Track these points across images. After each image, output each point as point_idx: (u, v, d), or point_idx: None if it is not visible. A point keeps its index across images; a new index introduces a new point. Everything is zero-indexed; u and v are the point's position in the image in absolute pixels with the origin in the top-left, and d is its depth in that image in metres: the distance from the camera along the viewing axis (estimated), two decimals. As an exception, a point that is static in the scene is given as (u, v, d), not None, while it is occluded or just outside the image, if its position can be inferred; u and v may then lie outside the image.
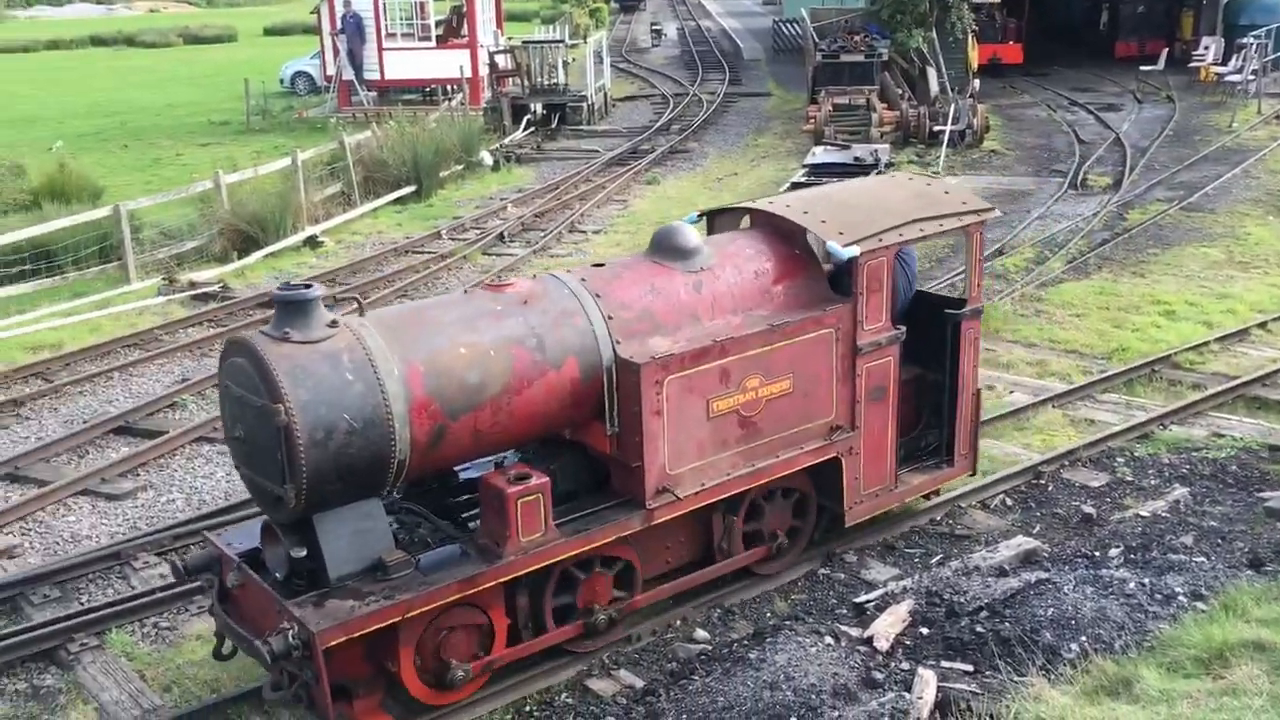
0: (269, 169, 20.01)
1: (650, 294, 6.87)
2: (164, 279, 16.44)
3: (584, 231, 19.05)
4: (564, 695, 6.74)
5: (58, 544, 8.93)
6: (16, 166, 16.37)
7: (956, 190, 8.07)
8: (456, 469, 6.83)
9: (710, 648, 7.00)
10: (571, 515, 6.61)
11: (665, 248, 7.15)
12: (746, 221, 8.02)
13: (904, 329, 7.54)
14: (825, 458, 7.43)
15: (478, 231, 19.10)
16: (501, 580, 6.26)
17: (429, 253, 17.81)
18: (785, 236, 7.48)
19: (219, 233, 18.11)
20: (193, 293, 15.80)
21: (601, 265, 7.21)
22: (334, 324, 6.05)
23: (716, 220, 8.11)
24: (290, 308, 5.99)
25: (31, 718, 6.82)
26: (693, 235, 7.27)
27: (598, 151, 26.23)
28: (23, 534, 9.08)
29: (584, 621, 6.81)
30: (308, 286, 6.11)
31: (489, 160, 24.74)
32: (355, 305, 6.36)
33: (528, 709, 6.66)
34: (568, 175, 23.38)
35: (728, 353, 6.79)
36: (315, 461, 5.76)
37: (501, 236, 18.44)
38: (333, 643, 5.69)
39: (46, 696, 7.04)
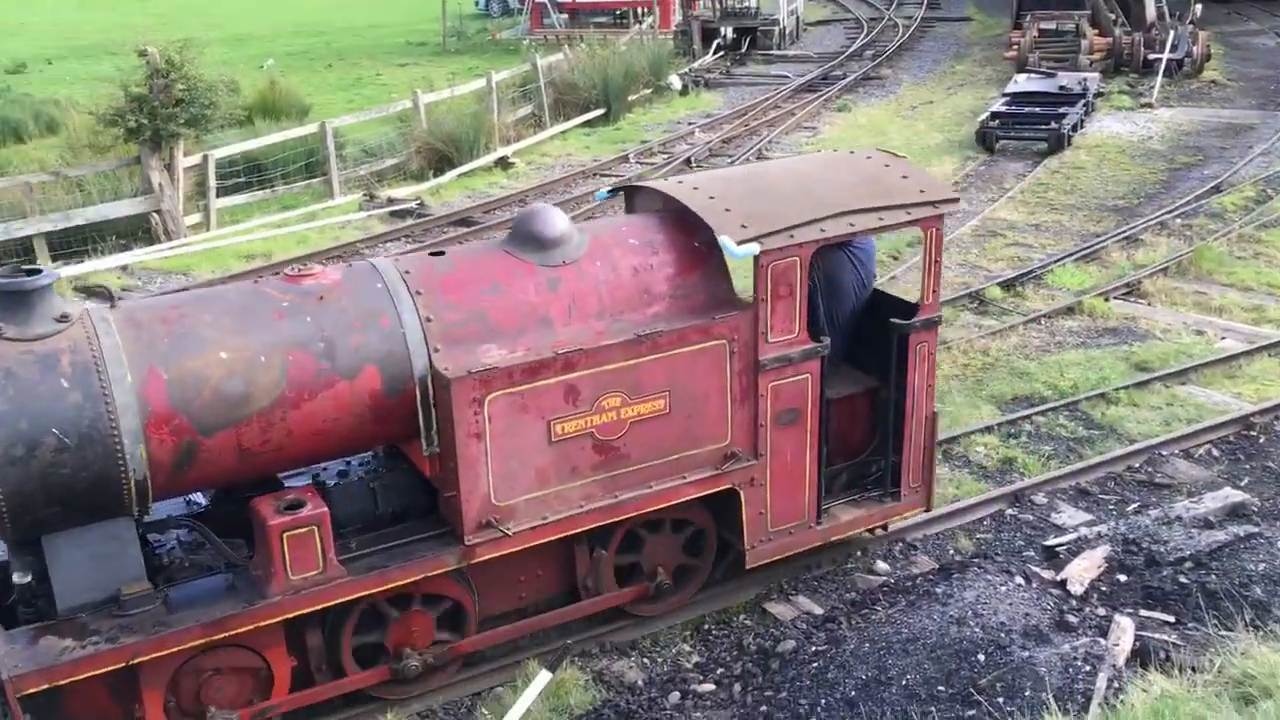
0: (464, 90, 20.44)
1: (489, 292, 5.72)
2: (365, 195, 17.09)
3: (772, 158, 18.82)
4: (741, 616, 6.81)
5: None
6: (233, 83, 17.18)
7: (917, 175, 6.59)
8: (280, 476, 5.81)
9: (892, 580, 6.94)
10: (378, 546, 5.67)
11: (522, 235, 5.94)
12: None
13: (826, 342, 6.31)
14: (717, 489, 6.26)
15: (664, 156, 19.09)
16: (263, 624, 5.32)
17: (615, 175, 17.91)
18: (685, 226, 6.19)
19: (416, 151, 18.66)
20: (391, 209, 16.36)
21: (441, 254, 5.98)
22: (64, 318, 5.10)
23: (635, 198, 6.85)
24: (10, 298, 5.01)
25: None
26: (558, 222, 5.99)
27: (787, 77, 25.74)
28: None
29: (391, 667, 5.86)
30: (37, 272, 5.12)
31: (677, 85, 24.63)
32: (105, 294, 5.42)
33: (705, 626, 6.76)
34: (756, 101, 23.05)
35: (574, 367, 5.64)
36: (15, 481, 4.89)
37: (688, 162, 18.38)
38: (31, 690, 4.89)
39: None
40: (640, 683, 6.22)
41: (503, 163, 18.90)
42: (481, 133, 18.96)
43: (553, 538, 5.89)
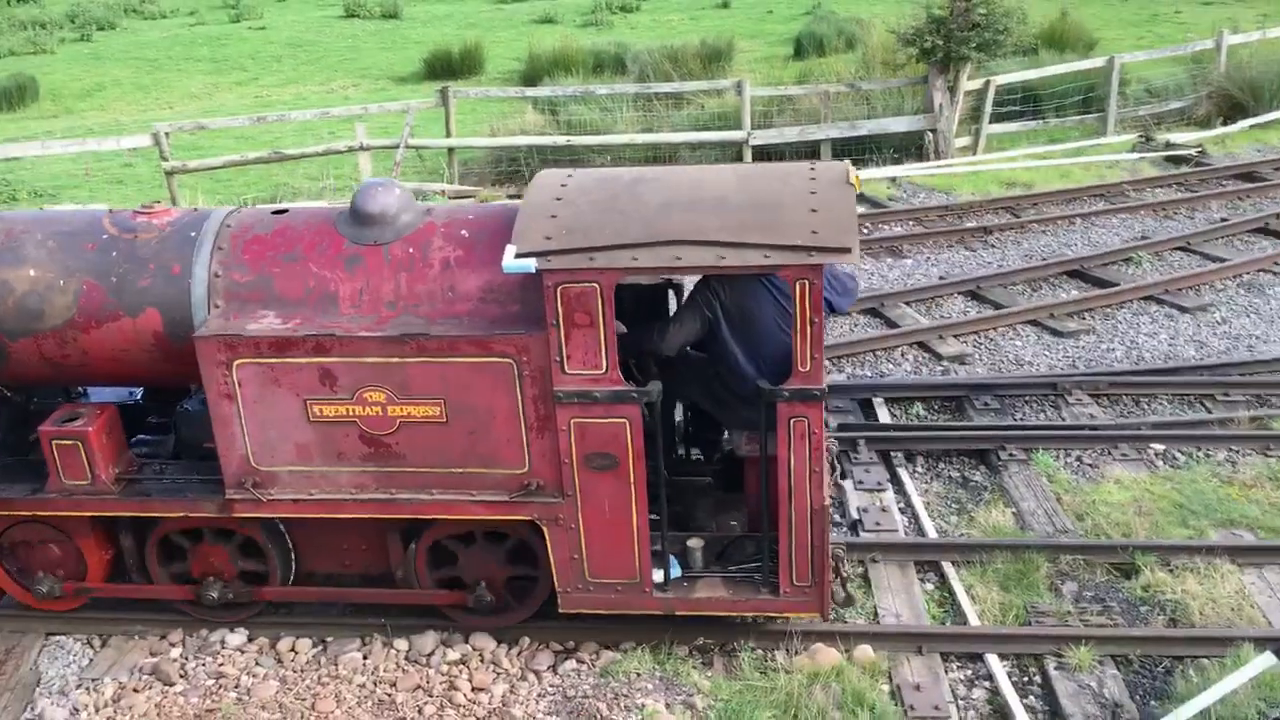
0: (1277, 33, 18.39)
1: (284, 259, 5.64)
2: (1140, 136, 16.34)
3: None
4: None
5: (1002, 362, 9.70)
6: (1022, 12, 17.21)
7: (831, 211, 5.22)
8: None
9: None
10: (158, 475, 6.06)
11: (353, 207, 5.72)
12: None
13: (650, 388, 5.44)
14: (515, 517, 5.74)
15: None
16: (42, 514, 6.08)
17: None
18: None
19: (1207, 96, 17.35)
20: (1166, 154, 15.47)
21: (281, 212, 5.92)
22: None
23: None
24: None
25: (959, 502, 7.69)
26: (382, 198, 5.66)
27: None
28: (975, 345, 10.01)
29: (194, 590, 6.23)
30: None
31: None
32: None
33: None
34: None
35: (327, 351, 5.42)
36: None
37: None
38: None
39: (973, 489, 7.83)
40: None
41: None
42: (1287, 80, 17.04)
43: (322, 515, 5.85)
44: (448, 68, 24.32)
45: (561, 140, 16.02)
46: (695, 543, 5.94)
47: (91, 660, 6.26)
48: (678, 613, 5.90)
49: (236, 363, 5.50)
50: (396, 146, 15.47)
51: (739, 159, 15.74)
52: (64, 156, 16.62)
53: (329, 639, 6.28)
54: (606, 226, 5.26)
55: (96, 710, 5.84)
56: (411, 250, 5.62)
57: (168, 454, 6.25)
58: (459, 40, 25.57)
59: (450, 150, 16.04)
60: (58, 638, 6.40)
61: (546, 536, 5.74)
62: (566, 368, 5.35)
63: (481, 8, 33.31)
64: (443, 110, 16.03)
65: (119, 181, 17.57)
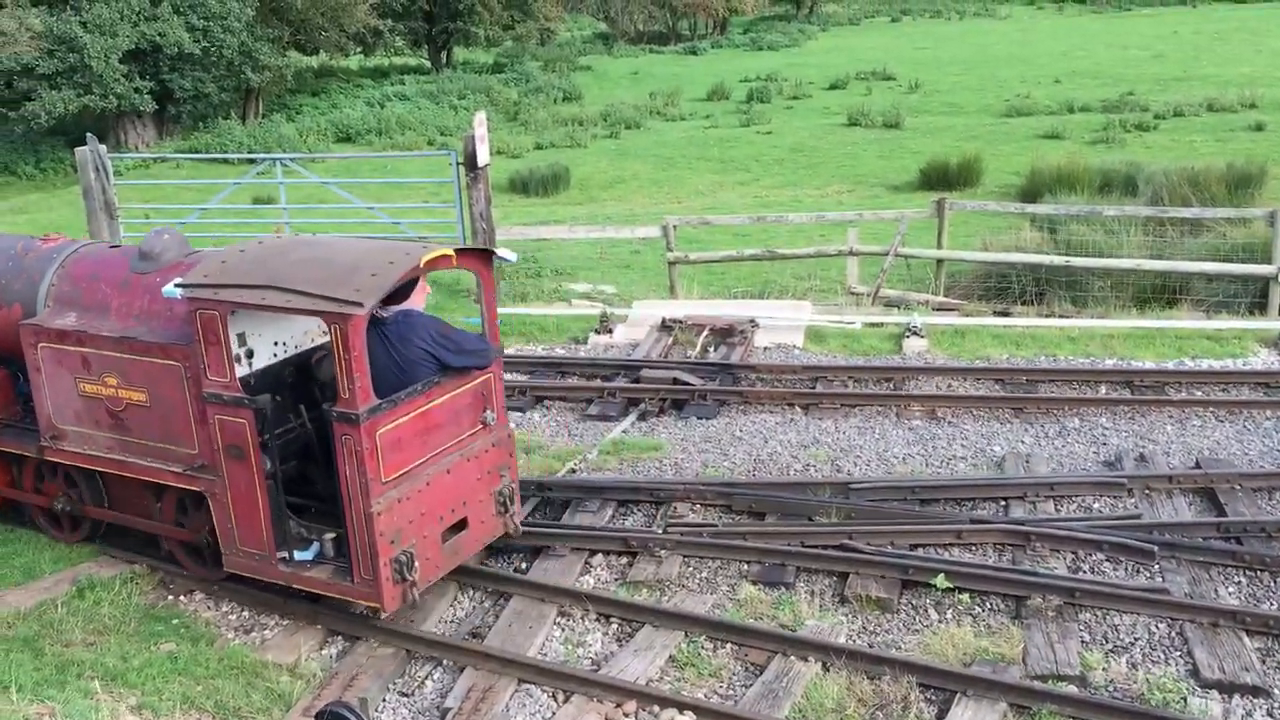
0: None
1: (89, 279, 7.79)
2: None
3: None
4: None
5: None
6: None
7: (380, 279, 6.49)
8: None
9: None
10: (27, 424, 8.26)
11: (140, 246, 7.80)
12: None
13: (264, 400, 6.91)
14: (192, 487, 7.35)
15: None
16: None
17: None
18: None
19: None
20: None
21: (115, 247, 8.39)
22: None
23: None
24: None
25: None
26: (154, 243, 7.68)
27: None
28: None
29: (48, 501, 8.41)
30: None
31: None
32: None
33: None
34: None
35: (83, 343, 7.48)
36: None
37: None
38: None
39: None
40: None
41: None
42: None
43: (93, 468, 7.85)
44: (944, 179, 24.22)
45: (1059, 260, 15.20)
46: (329, 535, 7.15)
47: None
48: (294, 586, 7.22)
49: (40, 345, 7.71)
50: (886, 254, 15.54)
51: (1263, 295, 14.15)
52: (585, 241, 18.40)
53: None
54: (240, 272, 6.83)
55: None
56: (158, 279, 7.44)
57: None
58: (958, 152, 25.44)
59: (939, 262, 15.82)
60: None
61: (212, 505, 7.25)
62: (209, 374, 6.94)
63: (985, 120, 33.01)
64: (935, 221, 15.89)
65: (627, 266, 19.15)
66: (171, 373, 7.11)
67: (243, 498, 7.02)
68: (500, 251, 7.71)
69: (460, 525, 7.32)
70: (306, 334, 7.78)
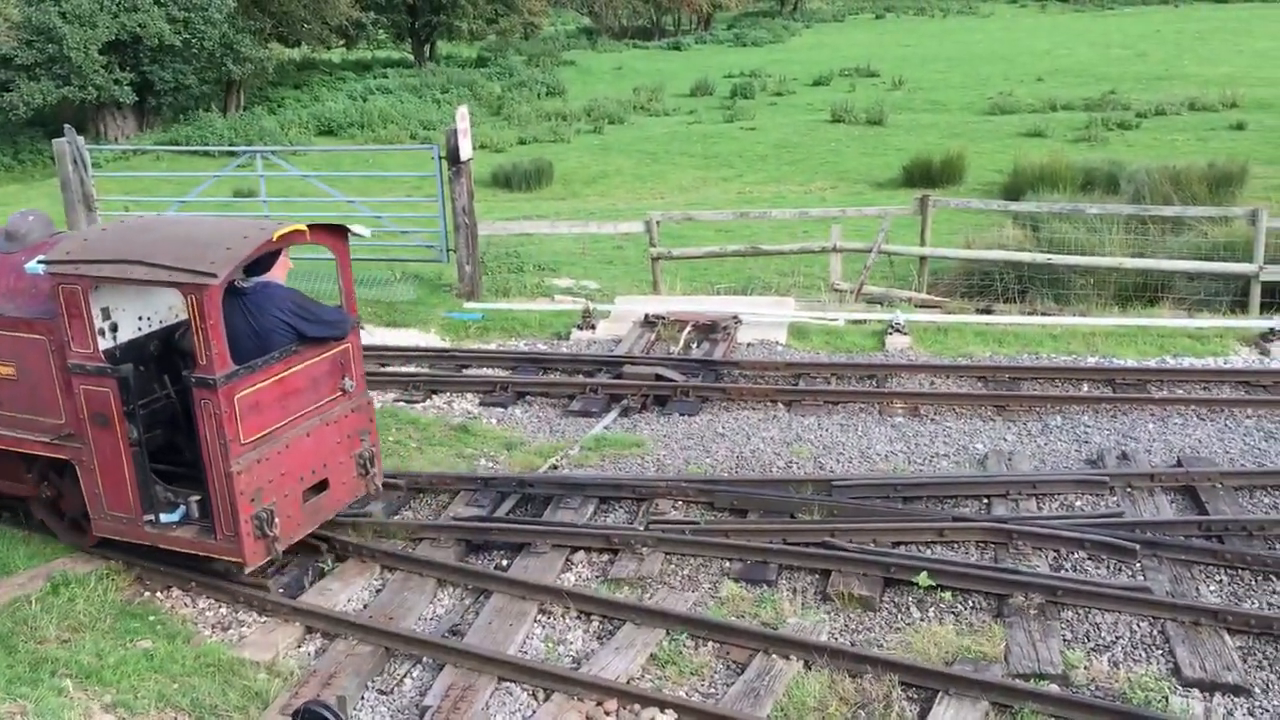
0: None
1: None
2: None
3: None
4: None
5: None
6: None
7: (233, 253, 6.79)
8: None
9: None
10: None
11: (8, 226, 7.98)
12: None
13: (126, 369, 7.22)
14: (58, 456, 7.58)
15: None
16: None
17: None
18: None
19: None
20: None
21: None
22: None
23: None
24: None
25: None
26: (19, 224, 7.94)
27: None
28: None
29: None
30: None
31: None
32: None
33: None
34: None
35: None
36: None
37: None
38: None
39: None
40: None
41: None
42: None
43: None
44: (927, 176, 24.26)
45: (1041, 258, 15.22)
46: (195, 498, 7.39)
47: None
48: (160, 545, 7.46)
49: None
50: (869, 250, 15.53)
51: (1244, 294, 14.21)
52: (567, 236, 18.31)
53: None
54: (103, 249, 7.08)
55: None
56: (22, 258, 7.66)
57: None
58: (941, 149, 25.45)
59: (922, 259, 15.82)
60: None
61: (79, 473, 7.47)
62: (73, 346, 7.16)
63: (968, 118, 33.03)
64: (919, 218, 15.88)
65: (609, 262, 19.08)
66: (37, 346, 7.38)
67: (109, 464, 7.32)
68: (355, 228, 7.90)
69: (322, 486, 7.64)
70: (171, 309, 7.97)
